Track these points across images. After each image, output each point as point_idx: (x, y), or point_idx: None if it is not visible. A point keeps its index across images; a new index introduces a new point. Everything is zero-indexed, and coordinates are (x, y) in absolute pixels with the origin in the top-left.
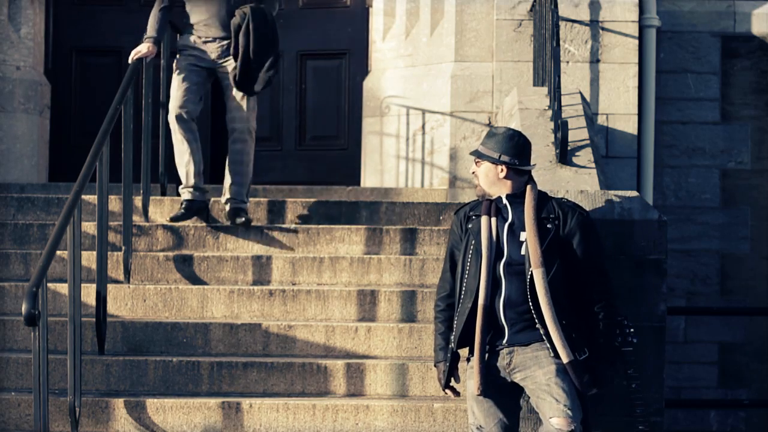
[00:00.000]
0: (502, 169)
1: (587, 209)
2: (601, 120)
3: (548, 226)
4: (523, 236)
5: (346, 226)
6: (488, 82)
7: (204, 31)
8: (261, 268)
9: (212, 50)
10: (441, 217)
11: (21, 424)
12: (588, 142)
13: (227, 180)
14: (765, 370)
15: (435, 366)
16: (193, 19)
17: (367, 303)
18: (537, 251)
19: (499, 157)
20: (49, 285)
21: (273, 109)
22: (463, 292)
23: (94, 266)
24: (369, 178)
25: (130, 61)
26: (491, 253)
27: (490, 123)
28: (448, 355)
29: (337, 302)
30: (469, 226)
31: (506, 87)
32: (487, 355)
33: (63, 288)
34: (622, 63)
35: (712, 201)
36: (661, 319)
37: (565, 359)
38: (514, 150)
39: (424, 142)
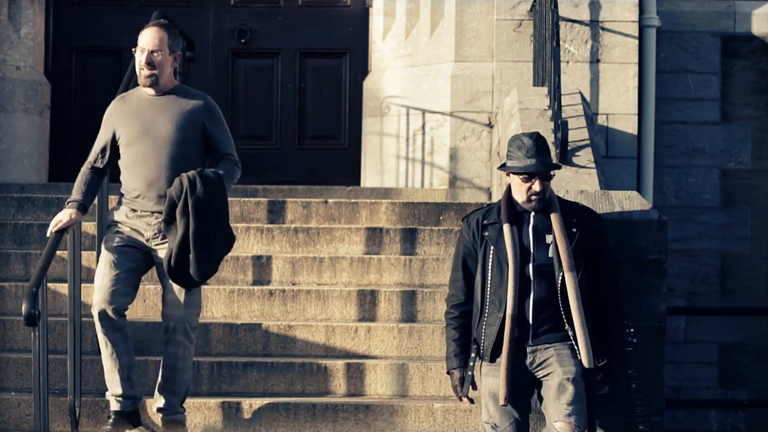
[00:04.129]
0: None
1: None
2: (601, 120)
3: (573, 230)
4: (548, 239)
5: (346, 226)
6: (488, 82)
7: (138, 202)
8: (261, 268)
9: (148, 227)
10: (441, 217)
11: (21, 424)
12: (588, 142)
13: (159, 385)
14: (765, 370)
15: (448, 373)
16: (126, 187)
17: (367, 303)
18: (569, 254)
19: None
20: (49, 285)
21: (271, 108)
22: (489, 303)
23: (94, 266)
24: (369, 178)
25: (49, 233)
26: (517, 259)
27: (490, 123)
28: (471, 363)
29: (337, 302)
30: (485, 233)
31: (506, 87)
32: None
33: (63, 288)
34: (622, 63)
35: (712, 201)
36: (661, 319)
37: (586, 364)
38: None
39: (424, 142)
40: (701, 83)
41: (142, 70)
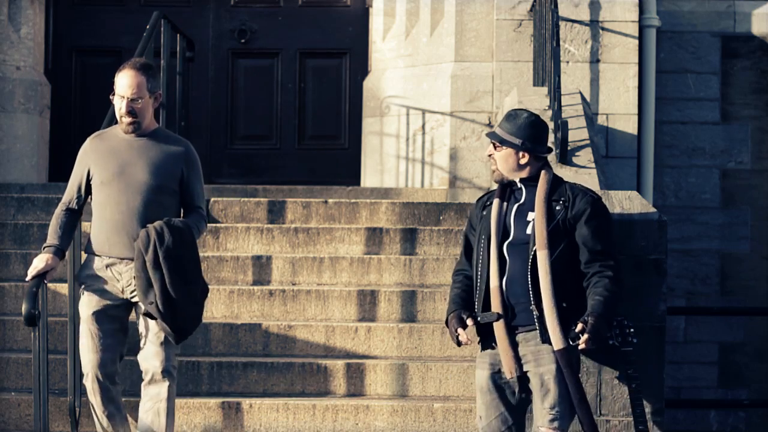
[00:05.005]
0: (523, 155)
1: None
2: (601, 120)
3: (557, 207)
4: (530, 216)
5: (346, 226)
6: (488, 82)
7: (107, 247)
8: (261, 268)
9: (121, 275)
10: (441, 217)
11: (21, 424)
12: (588, 142)
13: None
14: (765, 370)
15: (446, 321)
16: (96, 230)
17: (367, 303)
18: (543, 232)
19: (522, 143)
20: (49, 285)
21: (271, 108)
22: (479, 276)
23: None
24: (369, 178)
25: (28, 279)
26: (499, 234)
27: (490, 123)
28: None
29: (337, 302)
30: (484, 212)
31: (506, 87)
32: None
33: (63, 288)
34: (622, 63)
35: (712, 201)
36: (661, 319)
37: (556, 345)
38: (536, 135)
39: (424, 142)
40: (701, 83)
41: (123, 118)
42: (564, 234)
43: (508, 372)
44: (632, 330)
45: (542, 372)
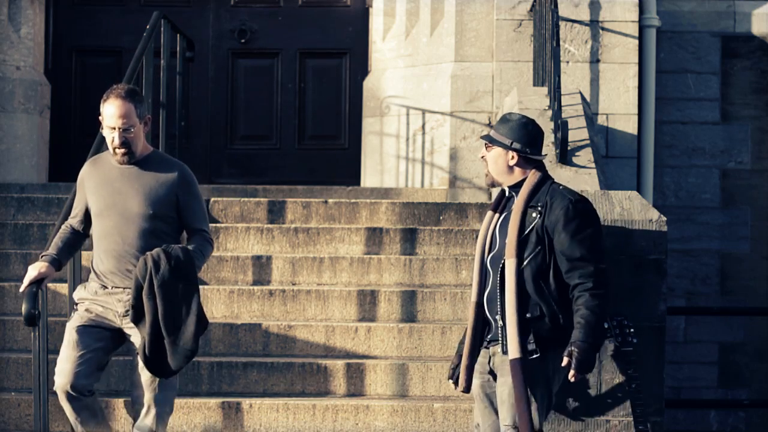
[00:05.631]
0: (512, 156)
1: None
2: (601, 120)
3: (533, 215)
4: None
5: (346, 226)
6: (488, 82)
7: (109, 276)
8: (261, 268)
9: (118, 304)
10: (441, 217)
11: (21, 424)
12: (588, 142)
13: None
14: (765, 370)
15: None
16: (95, 260)
17: (367, 303)
18: (513, 241)
19: (511, 144)
20: (49, 285)
21: (271, 108)
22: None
23: None
24: (369, 178)
25: (22, 290)
26: (483, 247)
27: (490, 123)
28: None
29: (337, 302)
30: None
31: (506, 87)
32: (481, 352)
33: (63, 288)
34: (622, 63)
35: (712, 201)
36: (661, 319)
37: (511, 355)
38: (527, 138)
39: (424, 142)
40: (701, 83)
41: (116, 150)
42: (538, 242)
43: (461, 385)
44: (632, 330)
45: (500, 383)
